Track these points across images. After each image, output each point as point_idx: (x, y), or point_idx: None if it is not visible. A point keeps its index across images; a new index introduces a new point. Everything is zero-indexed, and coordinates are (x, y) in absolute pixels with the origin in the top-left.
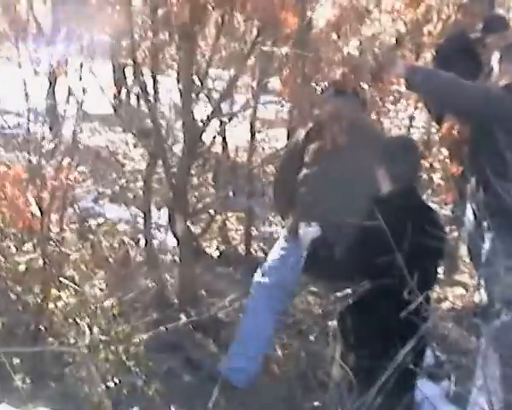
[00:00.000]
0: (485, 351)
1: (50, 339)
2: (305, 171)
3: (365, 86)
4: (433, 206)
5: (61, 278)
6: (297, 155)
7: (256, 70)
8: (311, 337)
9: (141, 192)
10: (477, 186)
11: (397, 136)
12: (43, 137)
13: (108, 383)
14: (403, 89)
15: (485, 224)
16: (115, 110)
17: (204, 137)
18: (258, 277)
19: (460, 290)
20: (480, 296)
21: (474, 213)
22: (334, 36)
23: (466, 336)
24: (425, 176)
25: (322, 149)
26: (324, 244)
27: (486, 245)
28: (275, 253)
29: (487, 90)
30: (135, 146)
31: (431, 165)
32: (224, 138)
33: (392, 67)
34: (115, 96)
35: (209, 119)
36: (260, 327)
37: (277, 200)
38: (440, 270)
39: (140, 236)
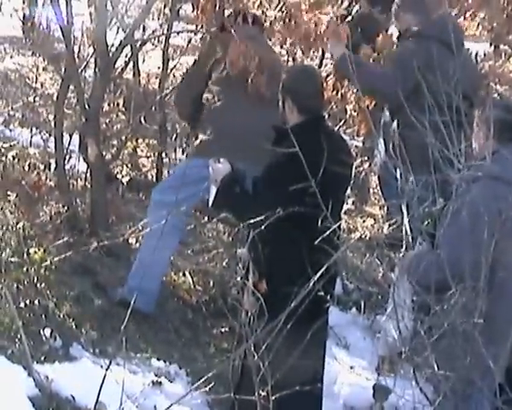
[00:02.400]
0: (396, 280)
1: None
2: (211, 106)
3: None
4: (345, 136)
5: None
6: (203, 71)
7: None
8: (221, 264)
9: (51, 117)
10: (392, 118)
11: (298, 66)
12: None
13: (20, 305)
14: None
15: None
16: (24, 32)
17: (116, 63)
18: (155, 195)
19: (370, 221)
20: (390, 227)
21: (386, 145)
22: None
23: (375, 266)
24: (338, 107)
25: (228, 78)
26: (235, 180)
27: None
28: (173, 173)
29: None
30: (44, 70)
31: (342, 96)
32: (135, 64)
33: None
34: (25, 18)
35: (121, 45)
36: (159, 247)
37: (180, 109)
38: (351, 200)
39: (51, 160)
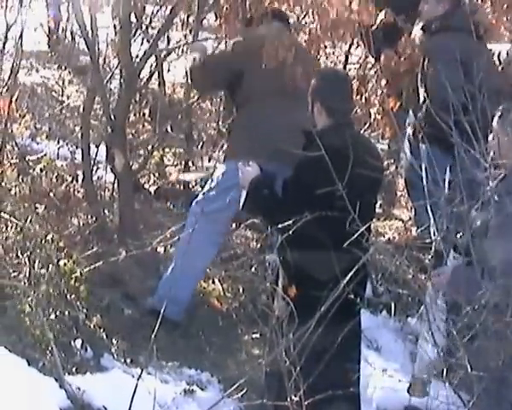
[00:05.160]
0: (430, 297)
1: None
2: (240, 109)
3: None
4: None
5: (2, 214)
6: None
7: (192, 6)
8: (251, 271)
9: (78, 129)
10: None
11: (328, 70)
12: None
13: (50, 317)
14: None
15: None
16: (49, 46)
17: (141, 73)
18: (194, 206)
19: (397, 224)
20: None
21: (411, 147)
22: None
23: (404, 268)
24: (362, 111)
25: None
26: (264, 182)
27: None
28: (212, 182)
29: None
30: (70, 82)
31: (366, 99)
32: (160, 74)
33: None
34: (50, 33)
35: (146, 55)
36: (196, 256)
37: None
38: (378, 203)
39: (78, 172)
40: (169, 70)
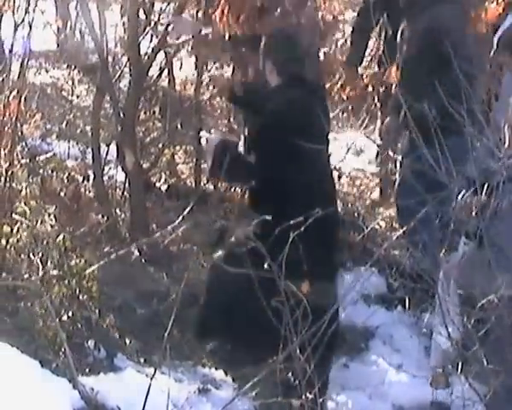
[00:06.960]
0: (442, 284)
1: (4, 274)
2: None
3: None
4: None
5: (13, 214)
6: None
7: (202, 1)
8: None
9: (88, 128)
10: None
11: (278, 29)
12: None
13: (62, 317)
14: None
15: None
16: (58, 45)
17: (150, 70)
18: None
19: None
20: None
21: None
22: None
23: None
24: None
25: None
26: (228, 145)
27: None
28: None
29: None
30: (79, 82)
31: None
32: (170, 71)
33: None
34: (59, 32)
35: (154, 51)
36: None
37: None
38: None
39: (89, 171)
40: (182, 66)
